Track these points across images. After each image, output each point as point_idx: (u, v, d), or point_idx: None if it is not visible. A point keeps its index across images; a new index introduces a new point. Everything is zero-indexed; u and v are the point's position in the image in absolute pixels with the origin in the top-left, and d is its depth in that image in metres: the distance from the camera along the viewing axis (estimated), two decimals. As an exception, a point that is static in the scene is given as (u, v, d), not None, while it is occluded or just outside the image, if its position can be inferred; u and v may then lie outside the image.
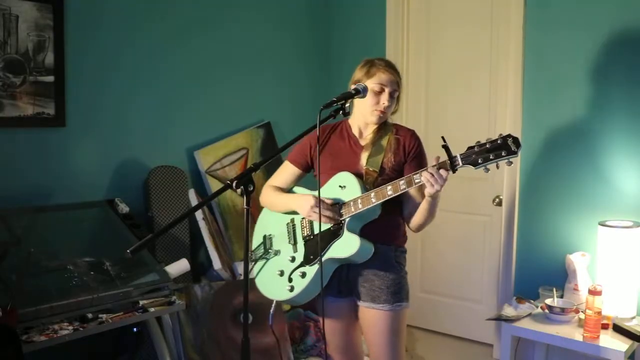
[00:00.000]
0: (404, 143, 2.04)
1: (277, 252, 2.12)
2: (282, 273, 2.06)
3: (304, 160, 2.15)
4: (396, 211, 2.06)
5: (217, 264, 2.91)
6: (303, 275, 2.00)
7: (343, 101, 1.86)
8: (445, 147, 1.82)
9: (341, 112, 1.88)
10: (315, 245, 1.99)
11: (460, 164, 1.80)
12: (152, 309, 2.39)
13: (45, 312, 2.14)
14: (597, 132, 2.91)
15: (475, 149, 1.78)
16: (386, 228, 2.04)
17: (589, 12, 2.89)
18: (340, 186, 2.01)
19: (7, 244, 2.31)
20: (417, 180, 1.84)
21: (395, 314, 2.01)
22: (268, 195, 2.18)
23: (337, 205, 1.98)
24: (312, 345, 3.09)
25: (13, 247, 2.31)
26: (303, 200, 2.01)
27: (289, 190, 2.19)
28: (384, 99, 2.00)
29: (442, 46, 3.57)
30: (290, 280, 2.03)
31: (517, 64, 3.13)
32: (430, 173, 1.80)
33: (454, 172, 1.81)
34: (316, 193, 1.95)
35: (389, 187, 1.89)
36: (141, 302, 2.39)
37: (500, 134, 1.77)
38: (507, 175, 3.23)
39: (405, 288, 2.06)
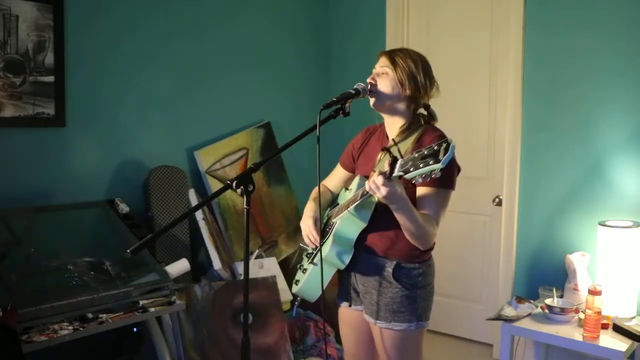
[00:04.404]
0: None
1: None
2: (301, 267, 2.10)
3: (349, 162, 2.12)
4: (397, 223, 1.77)
5: (217, 264, 2.91)
6: (304, 271, 2.03)
7: (343, 101, 1.85)
8: (386, 150, 1.75)
9: (341, 112, 1.87)
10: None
11: (396, 171, 1.56)
12: (152, 309, 2.38)
13: (45, 312, 2.13)
14: (596, 132, 2.91)
15: (415, 154, 1.53)
16: (383, 240, 1.87)
17: (588, 14, 2.90)
18: (347, 189, 1.98)
19: (7, 244, 2.31)
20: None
21: (395, 333, 1.88)
22: (310, 196, 2.13)
23: (324, 229, 1.95)
24: (312, 345, 3.08)
25: (13, 247, 2.31)
26: (305, 215, 2.01)
27: (337, 192, 2.15)
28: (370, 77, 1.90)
29: (442, 49, 3.56)
30: (303, 273, 2.06)
31: (517, 66, 3.13)
32: (372, 179, 1.61)
33: (389, 179, 1.58)
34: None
35: (360, 191, 1.77)
36: (141, 302, 2.38)
37: (446, 139, 1.49)
38: (507, 175, 3.23)
39: (411, 308, 1.87)
